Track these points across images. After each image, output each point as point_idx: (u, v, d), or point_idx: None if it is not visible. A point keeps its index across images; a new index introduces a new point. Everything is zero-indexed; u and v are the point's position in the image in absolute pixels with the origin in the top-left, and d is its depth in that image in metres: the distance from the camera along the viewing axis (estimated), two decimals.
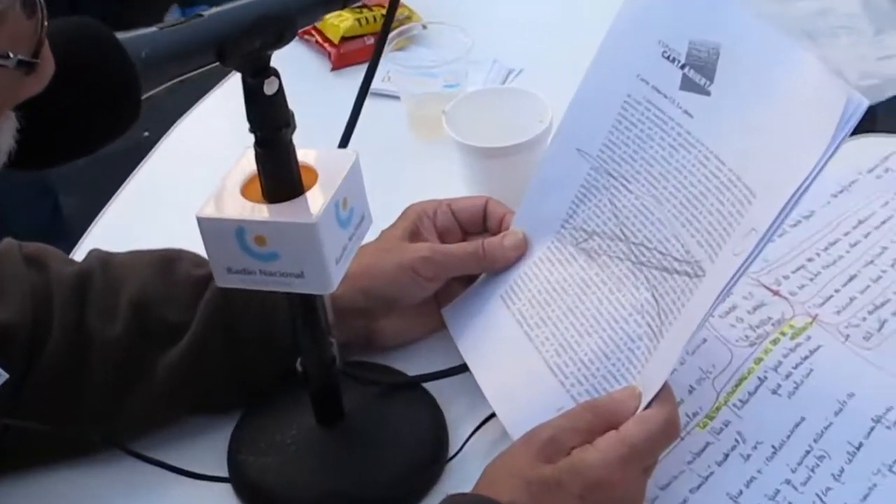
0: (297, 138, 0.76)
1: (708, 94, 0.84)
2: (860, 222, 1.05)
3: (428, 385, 0.94)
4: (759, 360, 0.94)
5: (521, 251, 0.95)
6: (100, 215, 1.20)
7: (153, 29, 0.68)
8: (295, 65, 1.27)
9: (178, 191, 1.19)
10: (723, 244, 0.81)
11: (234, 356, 0.91)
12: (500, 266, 0.95)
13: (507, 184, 1.03)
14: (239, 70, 0.73)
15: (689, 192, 0.85)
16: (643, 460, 0.78)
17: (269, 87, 0.74)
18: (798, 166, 0.75)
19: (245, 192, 0.78)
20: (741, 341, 0.96)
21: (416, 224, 0.97)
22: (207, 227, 0.77)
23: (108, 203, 1.22)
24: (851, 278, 1.02)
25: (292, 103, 0.75)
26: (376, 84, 1.22)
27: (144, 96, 0.66)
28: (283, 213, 0.76)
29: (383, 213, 0.92)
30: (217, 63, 0.71)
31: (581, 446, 0.77)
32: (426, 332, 0.99)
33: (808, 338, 0.96)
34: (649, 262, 0.87)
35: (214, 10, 0.71)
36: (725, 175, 0.82)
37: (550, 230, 0.94)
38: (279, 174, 0.77)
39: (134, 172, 1.27)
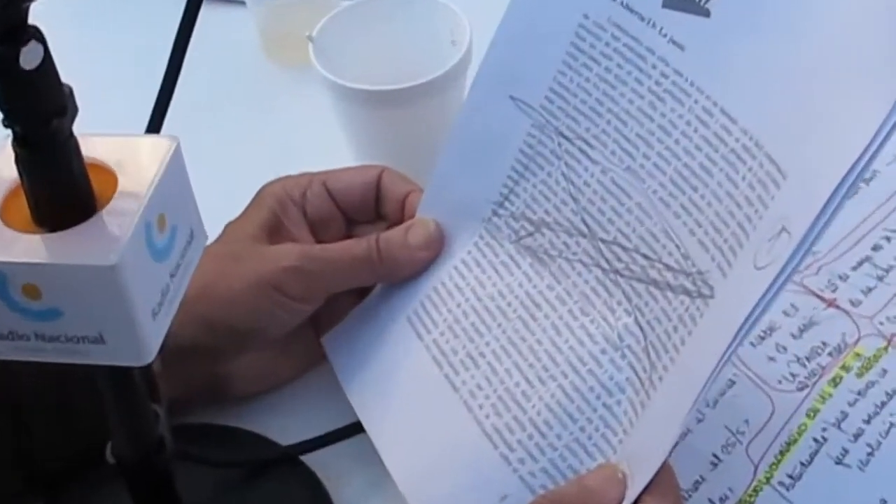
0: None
1: (706, 13, 0.74)
2: None
3: (308, 457, 0.85)
4: (814, 413, 0.85)
5: (433, 251, 0.86)
6: None
7: None
8: None
9: None
10: (738, 249, 0.71)
11: (20, 438, 0.81)
12: (405, 273, 0.86)
13: (411, 144, 0.97)
14: None
15: (682, 163, 0.75)
16: None
17: (29, 59, 0.60)
18: (849, 134, 0.64)
19: (6, 214, 0.64)
20: (786, 382, 0.87)
21: (277, 214, 0.87)
22: None
23: None
24: None
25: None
26: None
27: None
28: (63, 248, 0.62)
29: (227, 193, 0.84)
30: None
31: None
32: (300, 374, 0.90)
33: (884, 372, 0.86)
34: (628, 272, 0.77)
35: None
36: (737, 139, 0.72)
37: (477, 218, 0.85)
38: (55, 188, 0.63)
39: None
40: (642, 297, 0.76)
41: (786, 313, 0.91)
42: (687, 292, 0.73)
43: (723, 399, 0.86)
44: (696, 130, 0.74)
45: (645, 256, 0.76)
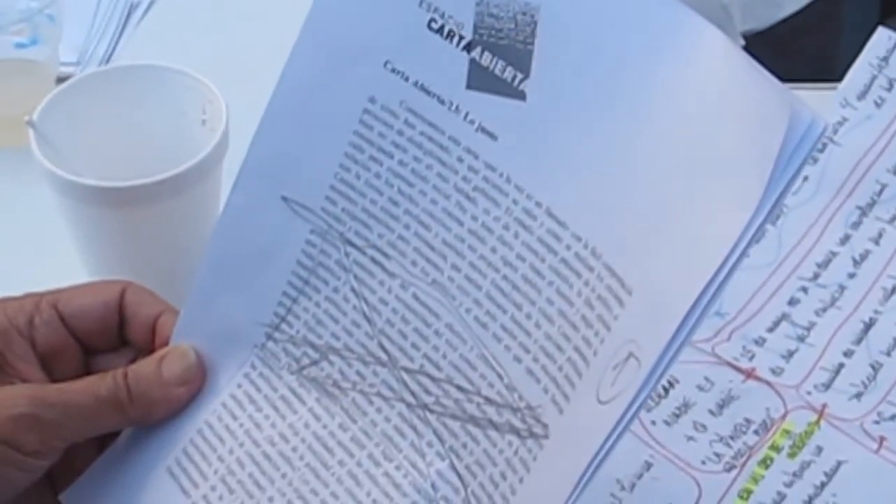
0: None
1: (521, 96, 0.70)
2: (861, 210, 0.92)
3: None
4: (747, 494, 0.83)
5: (194, 386, 0.78)
6: None
7: None
8: None
9: None
10: (577, 378, 0.67)
11: None
12: (161, 415, 0.78)
13: (159, 253, 0.91)
14: None
15: (501, 276, 0.71)
16: None
17: None
18: (703, 245, 0.63)
19: None
20: (710, 463, 0.84)
21: None
22: None
23: None
24: (868, 326, 0.90)
25: None
26: None
27: None
28: None
29: None
30: None
31: None
32: None
33: (819, 450, 0.84)
34: (440, 407, 0.72)
35: None
36: (569, 247, 0.68)
37: (247, 345, 0.78)
38: None
39: None
40: (458, 438, 0.71)
41: (700, 388, 0.87)
42: (515, 431, 0.69)
43: (640, 482, 0.83)
44: (516, 236, 0.70)
45: (459, 388, 0.71)
